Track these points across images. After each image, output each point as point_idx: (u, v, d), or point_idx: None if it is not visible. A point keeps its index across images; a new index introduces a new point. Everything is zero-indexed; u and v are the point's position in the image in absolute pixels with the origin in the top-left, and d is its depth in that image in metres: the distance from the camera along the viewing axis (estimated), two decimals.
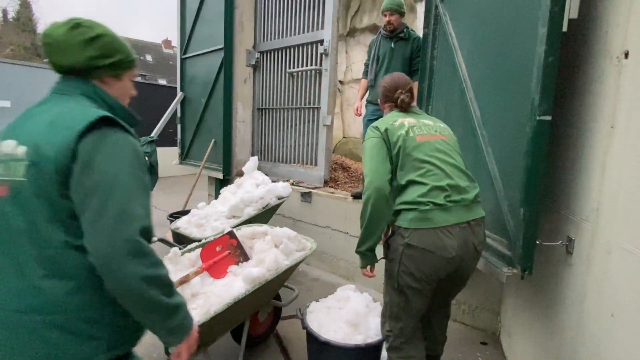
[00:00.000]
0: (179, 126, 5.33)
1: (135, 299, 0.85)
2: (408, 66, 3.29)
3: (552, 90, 1.38)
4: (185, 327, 0.95)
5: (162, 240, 2.37)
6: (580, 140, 1.42)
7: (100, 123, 0.87)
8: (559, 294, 1.52)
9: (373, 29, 8.08)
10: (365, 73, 3.46)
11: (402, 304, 1.53)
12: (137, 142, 0.95)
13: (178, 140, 5.36)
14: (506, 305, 2.43)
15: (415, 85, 3.39)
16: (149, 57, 28.11)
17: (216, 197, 4.67)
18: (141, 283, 0.83)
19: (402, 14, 3.19)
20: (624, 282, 1.07)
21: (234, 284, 1.81)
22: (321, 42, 3.82)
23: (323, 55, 3.79)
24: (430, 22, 2.65)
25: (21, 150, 0.86)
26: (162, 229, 4.29)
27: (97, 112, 0.89)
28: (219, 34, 4.38)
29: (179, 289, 1.90)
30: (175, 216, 3.62)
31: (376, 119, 3.54)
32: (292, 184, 3.79)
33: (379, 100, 1.90)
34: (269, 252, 2.03)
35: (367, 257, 1.60)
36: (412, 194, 1.46)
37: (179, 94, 5.18)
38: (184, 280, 1.93)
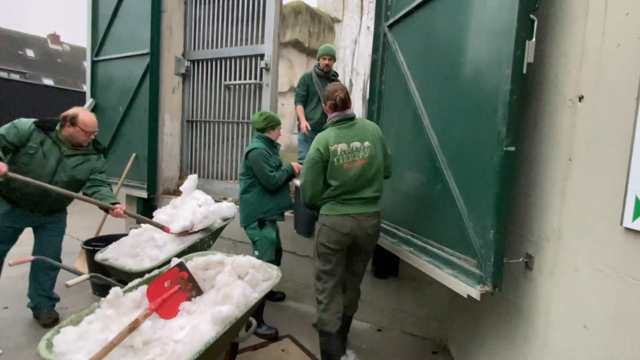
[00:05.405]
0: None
1: None
2: None
3: (516, 124, 1.55)
4: None
5: (95, 277, 1.99)
6: (536, 169, 1.61)
7: None
8: (519, 307, 1.68)
9: (296, 44, 8.24)
10: (300, 101, 3.91)
11: (321, 266, 2.22)
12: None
13: None
14: (453, 315, 2.61)
15: None
16: (30, 53, 24.14)
17: (138, 220, 4.16)
18: None
19: (335, 60, 3.85)
20: (595, 297, 1.23)
21: (201, 325, 1.60)
22: (261, 56, 3.72)
23: (264, 70, 3.69)
24: (378, 48, 2.79)
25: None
26: (70, 258, 3.64)
27: None
28: (142, 38, 3.97)
29: (127, 338, 1.62)
30: (93, 244, 3.10)
31: (310, 141, 3.97)
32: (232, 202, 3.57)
33: (323, 103, 2.39)
34: (234, 285, 1.85)
35: None
36: (329, 192, 2.18)
37: (89, 101, 4.53)
38: (134, 326, 1.65)
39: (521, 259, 1.65)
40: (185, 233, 2.61)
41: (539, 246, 1.57)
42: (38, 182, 2.30)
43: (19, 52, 23.71)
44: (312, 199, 2.22)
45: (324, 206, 2.21)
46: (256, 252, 2.78)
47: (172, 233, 2.61)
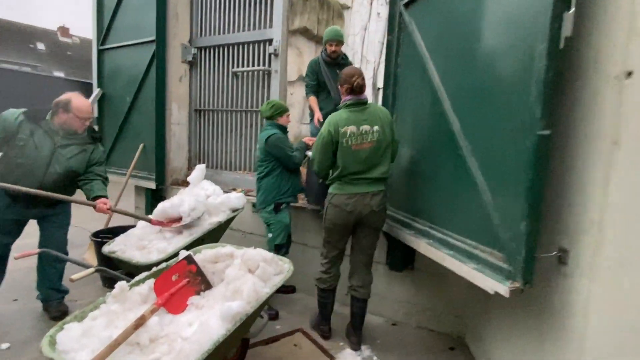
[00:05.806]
0: (95, 128, 4.58)
1: None
2: None
3: (551, 105, 1.40)
4: None
5: (101, 271, 1.93)
6: (573, 153, 1.47)
7: None
8: (550, 304, 1.56)
9: (304, 31, 8.03)
10: (311, 92, 3.60)
11: (326, 238, 2.47)
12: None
13: None
14: (473, 310, 2.50)
15: None
16: (40, 46, 24.27)
17: (147, 211, 4.11)
18: None
19: (343, 43, 3.48)
20: None
21: (210, 322, 1.52)
22: (270, 41, 3.59)
23: (272, 56, 3.56)
24: (394, 29, 2.63)
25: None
26: (78, 250, 3.61)
27: None
28: (148, 25, 3.86)
29: (133, 335, 1.54)
30: (101, 236, 3.05)
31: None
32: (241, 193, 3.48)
33: (339, 85, 2.41)
34: (245, 279, 1.76)
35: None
36: (338, 173, 2.33)
37: (96, 91, 4.46)
38: (141, 323, 1.58)
39: (554, 253, 1.52)
40: (170, 223, 2.55)
41: (575, 239, 1.43)
42: (20, 188, 2.24)
43: (30, 45, 23.85)
44: (319, 172, 2.42)
45: (333, 185, 2.38)
46: (270, 235, 2.88)
47: (155, 224, 2.58)
